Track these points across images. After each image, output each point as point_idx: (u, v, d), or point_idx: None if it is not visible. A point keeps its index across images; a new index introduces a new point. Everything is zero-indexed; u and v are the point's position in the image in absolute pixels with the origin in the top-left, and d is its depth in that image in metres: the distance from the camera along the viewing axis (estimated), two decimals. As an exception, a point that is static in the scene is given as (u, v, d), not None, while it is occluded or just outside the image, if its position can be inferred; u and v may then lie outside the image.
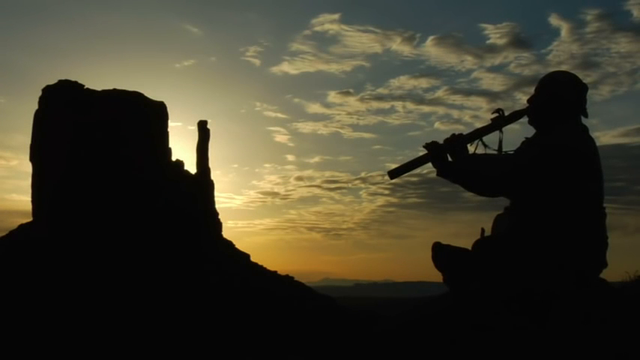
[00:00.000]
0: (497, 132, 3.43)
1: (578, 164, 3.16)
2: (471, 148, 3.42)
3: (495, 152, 3.41)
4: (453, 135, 3.43)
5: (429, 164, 3.43)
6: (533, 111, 3.39)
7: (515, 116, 3.43)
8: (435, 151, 3.39)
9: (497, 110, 3.46)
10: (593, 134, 3.33)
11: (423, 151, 3.43)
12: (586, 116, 3.36)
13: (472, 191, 3.33)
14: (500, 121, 3.43)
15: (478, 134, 3.44)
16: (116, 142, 64.07)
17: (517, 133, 3.62)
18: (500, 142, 3.42)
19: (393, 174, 3.46)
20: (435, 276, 3.48)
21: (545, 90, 3.36)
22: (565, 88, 3.33)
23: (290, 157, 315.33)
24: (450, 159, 3.40)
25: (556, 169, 3.15)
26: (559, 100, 3.32)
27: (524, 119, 3.44)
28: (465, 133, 3.44)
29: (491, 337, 3.11)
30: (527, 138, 3.41)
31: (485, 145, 3.43)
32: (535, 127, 3.41)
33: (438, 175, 3.38)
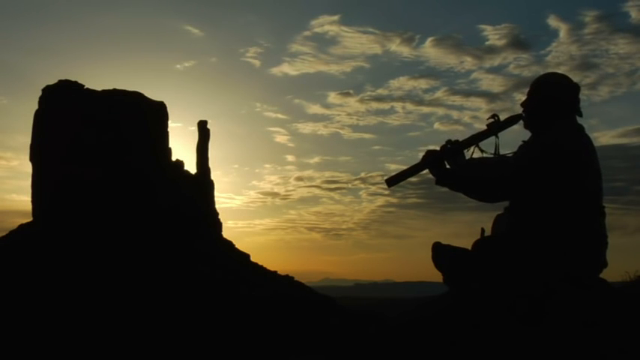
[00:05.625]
0: (493, 137, 3.44)
1: (574, 163, 3.17)
2: (467, 154, 3.43)
3: (492, 157, 3.42)
4: (449, 141, 3.44)
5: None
6: (528, 115, 3.40)
7: (511, 121, 3.44)
8: (431, 158, 3.39)
9: (493, 115, 3.47)
10: (593, 134, 3.34)
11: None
12: (580, 115, 3.37)
13: (473, 197, 3.33)
14: (496, 126, 3.44)
15: (474, 140, 3.45)
16: (116, 142, 64.07)
17: (515, 135, 3.63)
18: (497, 147, 3.43)
19: (391, 182, 3.47)
20: (435, 276, 3.49)
21: (538, 93, 3.37)
22: (557, 88, 3.34)
23: (290, 158, 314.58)
24: (447, 166, 3.40)
25: (553, 168, 3.16)
26: (552, 101, 3.33)
27: (521, 123, 3.45)
28: (463, 135, 3.45)
29: (491, 337, 3.11)
30: (524, 142, 3.42)
31: (482, 150, 3.44)
32: (531, 131, 3.42)
33: (436, 183, 3.38)
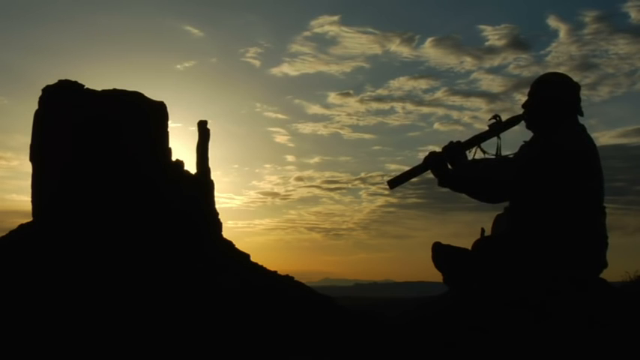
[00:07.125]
0: (495, 138, 3.44)
1: (576, 163, 3.17)
2: (469, 155, 3.43)
3: (494, 157, 3.42)
4: (451, 142, 3.44)
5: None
6: (530, 115, 3.40)
7: (513, 122, 3.44)
8: (433, 159, 3.39)
9: (495, 116, 3.47)
10: (592, 135, 3.34)
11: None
12: (582, 115, 3.37)
13: (475, 197, 3.33)
14: (498, 126, 3.43)
15: (476, 141, 3.44)
16: (116, 142, 64.07)
17: (516, 136, 3.63)
18: (499, 147, 3.43)
19: (393, 183, 3.47)
20: (435, 276, 3.48)
21: (539, 93, 3.37)
22: (558, 88, 3.34)
23: (290, 158, 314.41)
24: (449, 167, 3.40)
25: (555, 168, 3.16)
26: (554, 101, 3.33)
27: (523, 124, 3.45)
28: (463, 136, 3.46)
29: (490, 338, 3.11)
30: (525, 142, 3.42)
31: (484, 151, 3.43)
32: (533, 132, 3.42)
33: (439, 184, 3.38)
